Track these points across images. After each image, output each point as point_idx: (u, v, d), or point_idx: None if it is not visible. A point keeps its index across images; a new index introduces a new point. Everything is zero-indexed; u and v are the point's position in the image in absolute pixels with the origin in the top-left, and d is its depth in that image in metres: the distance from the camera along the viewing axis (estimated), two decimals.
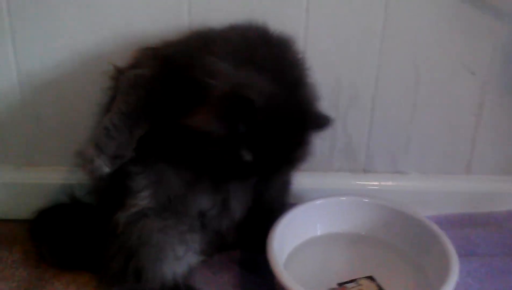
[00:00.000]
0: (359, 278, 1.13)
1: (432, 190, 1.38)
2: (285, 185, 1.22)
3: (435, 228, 1.16)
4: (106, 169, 1.00)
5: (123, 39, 1.19)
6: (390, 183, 1.39)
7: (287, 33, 1.08)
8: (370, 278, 1.13)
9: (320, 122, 1.03)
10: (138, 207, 1.03)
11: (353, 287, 1.11)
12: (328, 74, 1.26)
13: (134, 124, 1.00)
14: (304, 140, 1.02)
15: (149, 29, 1.18)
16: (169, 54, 1.03)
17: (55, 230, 1.19)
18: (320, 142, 1.30)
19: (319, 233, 1.25)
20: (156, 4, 1.18)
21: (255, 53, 1.00)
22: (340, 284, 1.11)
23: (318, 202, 1.24)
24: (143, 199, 1.03)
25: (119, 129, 0.99)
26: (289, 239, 1.19)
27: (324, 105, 1.26)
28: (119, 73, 1.09)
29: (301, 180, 1.27)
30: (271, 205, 1.19)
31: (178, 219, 1.05)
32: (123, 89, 1.02)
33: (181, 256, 1.05)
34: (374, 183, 1.38)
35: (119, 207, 1.04)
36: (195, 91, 0.96)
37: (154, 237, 1.03)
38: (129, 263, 1.04)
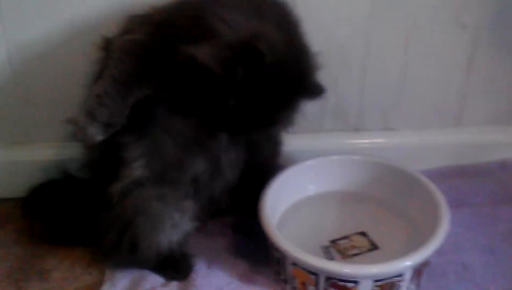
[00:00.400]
0: (351, 234, 1.15)
1: (423, 145, 1.39)
2: (276, 147, 1.22)
3: (426, 181, 1.16)
4: (99, 137, 0.98)
5: (114, 9, 1.17)
6: (381, 140, 1.39)
7: None
8: (362, 233, 1.15)
9: (316, 91, 1.03)
10: (133, 178, 1.03)
11: (345, 243, 1.12)
12: (319, 35, 1.24)
13: (127, 91, 0.98)
14: (294, 105, 1.02)
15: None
16: (163, 18, 1.01)
17: (47, 207, 1.20)
18: (311, 103, 1.31)
19: (311, 193, 1.26)
20: None
21: (261, 10, 0.98)
22: (333, 241, 1.13)
23: (309, 162, 1.25)
24: (137, 169, 1.03)
25: (112, 97, 0.97)
26: (282, 200, 1.20)
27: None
28: (108, 44, 1.07)
29: (293, 141, 1.28)
30: (264, 168, 1.18)
31: (173, 187, 1.05)
32: (116, 54, 1.00)
33: (177, 223, 1.06)
34: (366, 141, 1.39)
35: (114, 179, 1.04)
36: (201, 36, 0.94)
37: (152, 206, 1.03)
38: (124, 235, 1.04)
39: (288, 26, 1.01)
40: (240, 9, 0.97)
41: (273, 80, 0.94)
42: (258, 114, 0.97)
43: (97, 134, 0.97)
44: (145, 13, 1.06)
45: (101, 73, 1.03)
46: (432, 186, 1.14)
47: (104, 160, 1.07)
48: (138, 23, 1.03)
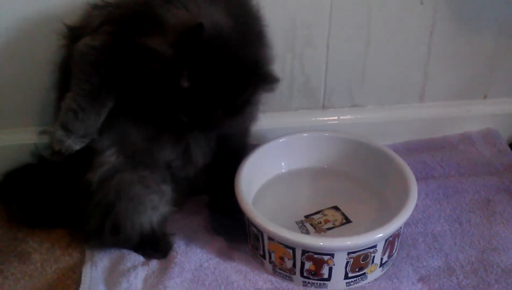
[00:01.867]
0: (324, 209, 1.18)
1: (389, 120, 1.43)
2: (245, 128, 1.23)
3: (394, 155, 1.20)
4: (77, 147, 1.02)
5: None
6: (348, 116, 1.42)
7: None
8: (335, 207, 1.18)
9: (268, 78, 1.01)
10: (108, 165, 1.05)
11: (319, 217, 1.16)
12: (283, 16, 1.28)
13: (101, 105, 1.01)
14: (249, 93, 1.01)
15: None
16: (122, 15, 1.01)
17: (24, 190, 1.20)
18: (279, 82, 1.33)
19: (284, 170, 1.29)
20: None
21: (218, 7, 0.99)
22: (307, 216, 1.16)
23: (281, 140, 1.27)
24: (110, 157, 1.05)
25: (86, 112, 1.00)
26: (256, 178, 1.23)
27: (281, 47, 1.28)
28: (70, 31, 1.09)
29: (262, 120, 1.30)
30: (233, 148, 1.20)
31: (151, 171, 1.07)
32: (82, 66, 1.00)
33: (157, 205, 1.08)
34: (333, 118, 1.42)
35: (88, 167, 1.05)
36: (153, 28, 0.95)
37: (133, 189, 1.05)
38: (106, 218, 1.06)
39: (243, 17, 1.02)
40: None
41: (222, 62, 0.95)
42: (214, 99, 0.97)
43: (74, 145, 1.01)
44: (104, 2, 1.07)
45: (64, 62, 1.06)
46: (400, 160, 1.18)
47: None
48: (98, 17, 1.03)
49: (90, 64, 0.99)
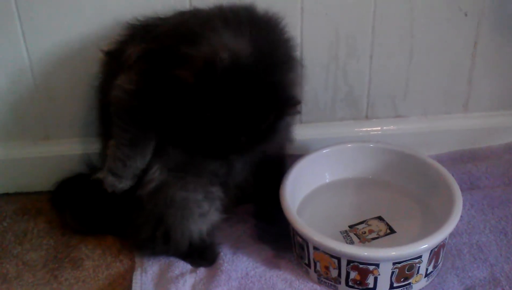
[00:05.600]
0: (369, 219, 1.19)
1: (432, 131, 1.43)
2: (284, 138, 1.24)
3: (438, 166, 1.20)
4: (128, 186, 1.08)
5: (118, 21, 1.20)
6: (392, 127, 1.43)
7: (274, 12, 1.09)
8: (379, 218, 1.19)
9: (288, 102, 1.02)
10: (156, 179, 1.08)
11: (363, 227, 1.17)
12: (327, 27, 1.29)
13: (143, 148, 1.07)
14: (268, 117, 1.02)
15: (149, 11, 1.17)
16: (157, 49, 1.04)
17: (76, 198, 1.25)
18: (322, 93, 1.34)
19: (328, 180, 1.30)
20: None
21: (241, 35, 1.02)
22: (351, 226, 1.17)
23: (325, 150, 1.28)
24: (154, 173, 1.08)
25: (132, 159, 1.07)
26: (300, 188, 1.24)
27: (324, 57, 1.31)
28: (105, 55, 1.16)
29: (307, 131, 1.32)
30: (272, 159, 1.21)
31: (196, 177, 1.10)
32: (120, 113, 1.06)
33: (206, 211, 1.11)
34: (377, 128, 1.42)
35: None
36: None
37: (177, 196, 1.08)
38: (158, 228, 1.10)
39: (268, 44, 1.03)
40: (220, 28, 1.01)
41: (241, 91, 0.97)
42: (235, 127, 1.00)
43: (126, 186, 1.09)
44: (142, 23, 1.13)
45: (103, 83, 1.15)
46: (444, 171, 1.19)
47: None
48: (135, 53, 1.06)
49: (127, 111, 1.05)
